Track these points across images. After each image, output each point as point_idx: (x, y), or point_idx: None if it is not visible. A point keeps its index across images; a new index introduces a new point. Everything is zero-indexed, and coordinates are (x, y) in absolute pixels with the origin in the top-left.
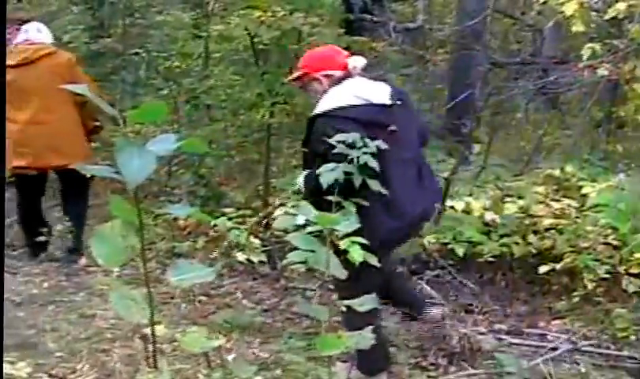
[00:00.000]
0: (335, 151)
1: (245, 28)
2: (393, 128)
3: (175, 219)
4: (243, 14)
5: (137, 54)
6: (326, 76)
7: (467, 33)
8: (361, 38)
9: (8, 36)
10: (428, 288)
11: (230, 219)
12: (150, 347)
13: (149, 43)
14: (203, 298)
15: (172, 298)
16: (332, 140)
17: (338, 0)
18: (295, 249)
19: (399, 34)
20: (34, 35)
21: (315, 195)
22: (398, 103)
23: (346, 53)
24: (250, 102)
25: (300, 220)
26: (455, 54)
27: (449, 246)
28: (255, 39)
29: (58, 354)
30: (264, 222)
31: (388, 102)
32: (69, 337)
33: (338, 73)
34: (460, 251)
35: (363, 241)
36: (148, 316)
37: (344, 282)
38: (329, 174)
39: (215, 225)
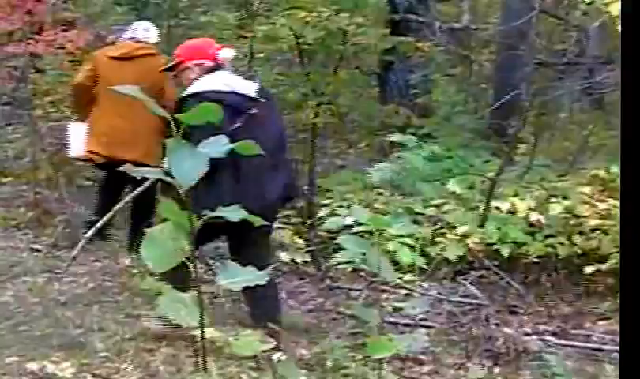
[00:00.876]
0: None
1: (290, 28)
2: (253, 111)
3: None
4: (288, 14)
5: None
6: (197, 65)
7: (512, 33)
8: (406, 38)
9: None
10: (473, 288)
11: None
12: (200, 350)
13: None
14: None
15: (216, 297)
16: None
17: (383, 0)
18: (342, 249)
19: (444, 34)
20: (141, 33)
21: None
22: (262, 100)
23: (218, 45)
24: (294, 102)
25: (348, 221)
26: (500, 54)
27: (494, 247)
28: (300, 40)
29: (103, 354)
30: (308, 222)
31: (253, 95)
32: (115, 337)
33: (208, 63)
34: (505, 251)
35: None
36: (197, 319)
37: None
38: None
39: None
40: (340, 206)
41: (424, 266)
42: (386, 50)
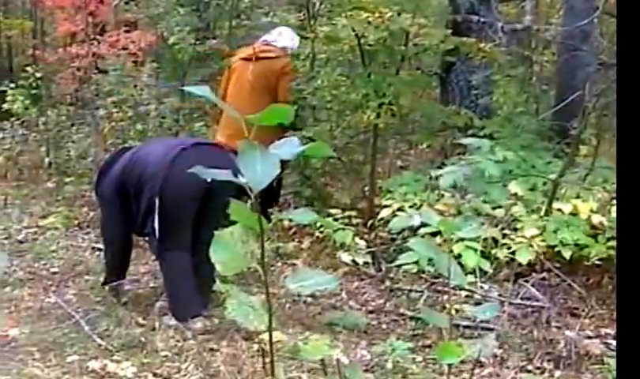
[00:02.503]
0: None
1: (352, 28)
2: None
3: (280, 219)
4: (350, 15)
5: None
6: None
7: (574, 34)
8: (469, 39)
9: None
10: (534, 290)
11: (335, 220)
12: (266, 354)
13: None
14: (308, 299)
15: (278, 298)
16: None
17: (445, 1)
18: (403, 250)
19: (505, 34)
20: (272, 37)
21: None
22: None
23: None
24: (355, 103)
25: (416, 221)
26: (562, 55)
27: (556, 249)
28: (362, 40)
29: (164, 353)
30: (369, 223)
31: None
32: (176, 336)
33: None
34: (566, 254)
35: None
36: (265, 322)
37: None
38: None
39: (321, 226)
40: (401, 208)
41: (487, 269)
42: (448, 51)
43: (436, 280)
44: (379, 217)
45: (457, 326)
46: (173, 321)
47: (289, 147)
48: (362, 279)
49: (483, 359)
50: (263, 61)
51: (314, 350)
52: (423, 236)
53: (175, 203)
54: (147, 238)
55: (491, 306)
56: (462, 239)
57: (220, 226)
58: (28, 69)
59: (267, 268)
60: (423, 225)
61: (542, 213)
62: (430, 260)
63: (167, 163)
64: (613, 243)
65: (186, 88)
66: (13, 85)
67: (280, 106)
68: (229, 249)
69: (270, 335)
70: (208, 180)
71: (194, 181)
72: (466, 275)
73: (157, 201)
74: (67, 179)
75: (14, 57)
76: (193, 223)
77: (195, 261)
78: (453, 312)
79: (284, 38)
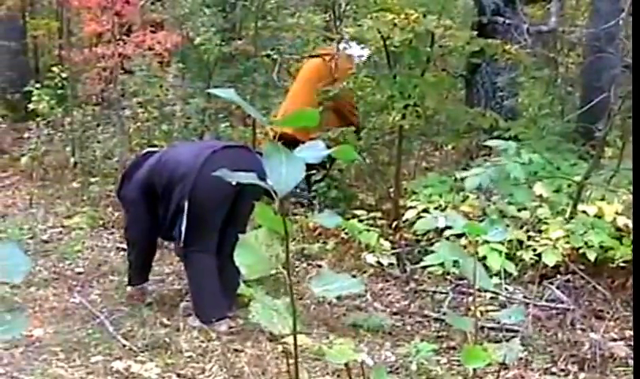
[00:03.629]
0: None
1: (377, 30)
2: None
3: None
4: (376, 17)
5: (268, 56)
6: None
7: (600, 35)
8: (494, 40)
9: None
10: (558, 292)
11: (360, 221)
12: (292, 357)
13: (281, 45)
14: (333, 300)
15: (301, 299)
16: None
17: (471, 3)
18: (428, 252)
19: (531, 36)
20: (343, 45)
21: None
22: None
23: None
24: (381, 104)
25: (441, 223)
26: (588, 56)
27: (581, 251)
28: (387, 42)
29: (188, 354)
30: (394, 224)
31: None
32: (200, 337)
33: None
34: (591, 256)
35: None
36: (290, 326)
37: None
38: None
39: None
40: (426, 209)
41: (512, 271)
42: (473, 53)
43: (461, 282)
44: (404, 218)
45: (482, 328)
46: (197, 322)
47: (315, 150)
48: (387, 281)
49: (507, 361)
50: (311, 60)
51: (339, 354)
52: (448, 238)
53: (203, 205)
54: (173, 241)
55: (517, 310)
56: (487, 241)
57: (246, 228)
58: (54, 69)
59: (291, 271)
60: (449, 226)
61: (567, 215)
62: (455, 261)
63: (197, 165)
64: None
65: (211, 90)
66: (38, 85)
67: (307, 109)
68: (253, 252)
69: (295, 340)
70: (233, 183)
71: (224, 184)
72: (491, 277)
73: (186, 203)
74: (92, 179)
75: (40, 57)
76: (221, 225)
77: (220, 263)
78: (477, 314)
79: (352, 48)
